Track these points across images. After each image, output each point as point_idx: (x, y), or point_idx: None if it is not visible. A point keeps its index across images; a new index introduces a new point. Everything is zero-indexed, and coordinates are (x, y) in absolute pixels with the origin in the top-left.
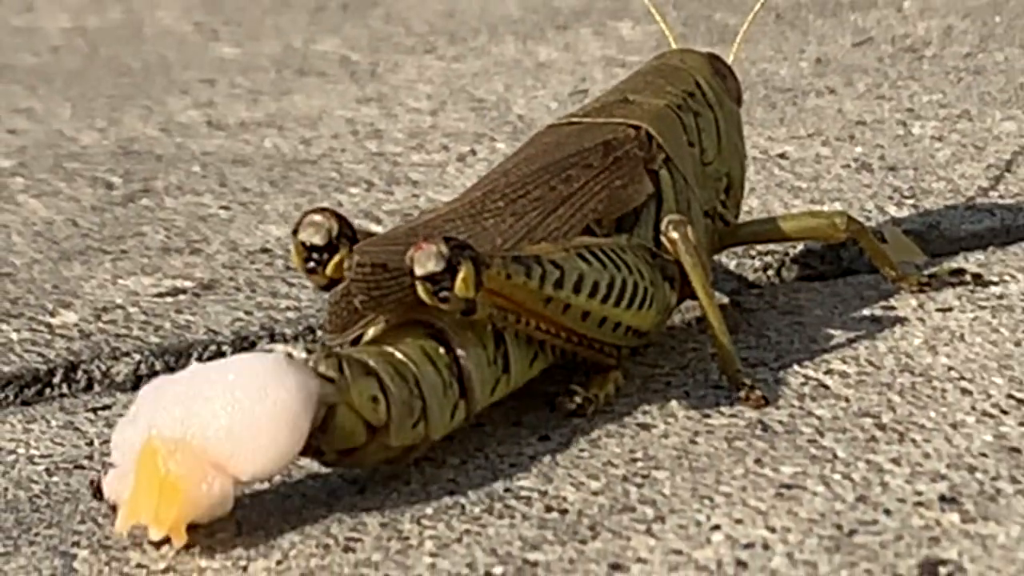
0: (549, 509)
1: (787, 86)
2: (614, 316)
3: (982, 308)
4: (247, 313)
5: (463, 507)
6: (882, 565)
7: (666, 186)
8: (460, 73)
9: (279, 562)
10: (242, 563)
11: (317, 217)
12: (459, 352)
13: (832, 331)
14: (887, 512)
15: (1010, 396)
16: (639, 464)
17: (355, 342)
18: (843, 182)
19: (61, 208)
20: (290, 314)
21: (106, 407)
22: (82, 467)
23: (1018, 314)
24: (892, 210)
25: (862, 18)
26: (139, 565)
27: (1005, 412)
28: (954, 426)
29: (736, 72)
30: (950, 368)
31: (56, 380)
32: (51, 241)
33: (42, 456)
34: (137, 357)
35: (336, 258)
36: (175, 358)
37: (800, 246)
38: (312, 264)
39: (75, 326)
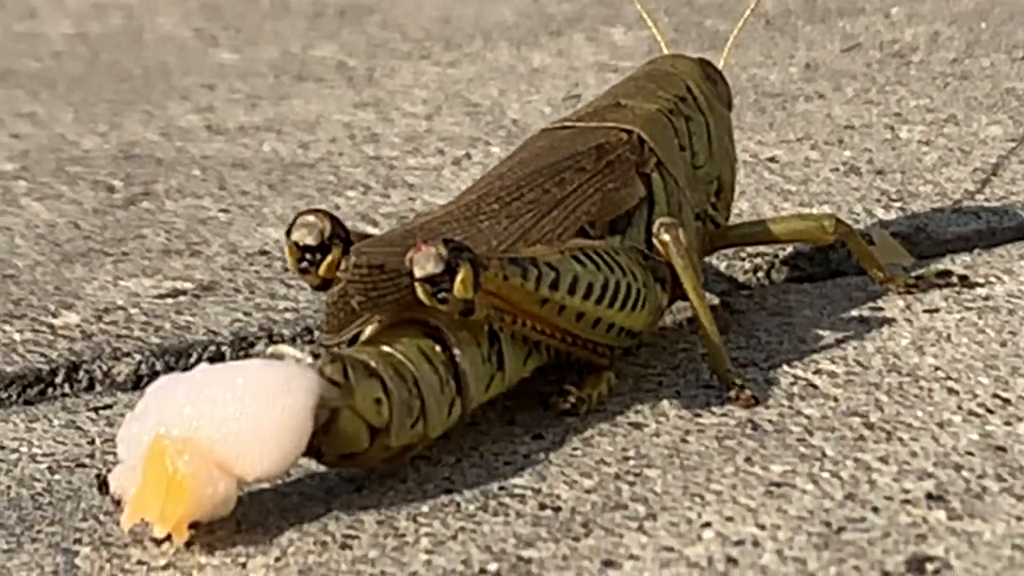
0: (543, 507)
1: (777, 91)
2: (607, 317)
3: (968, 309)
4: (246, 314)
5: (458, 505)
6: (870, 562)
7: (658, 189)
8: (455, 78)
9: (278, 559)
10: (241, 560)
11: (310, 218)
12: (455, 350)
13: (821, 332)
14: (875, 510)
15: (996, 395)
16: (631, 462)
17: (352, 342)
18: (832, 185)
19: (63, 211)
20: (288, 315)
21: (107, 406)
22: (84, 465)
23: (1003, 315)
24: (880, 213)
25: (850, 24)
26: (140, 562)
27: (991, 411)
28: (941, 425)
29: (726, 77)
30: (937, 368)
31: (58, 380)
32: (53, 243)
33: (44, 455)
34: (138, 357)
35: (329, 258)
36: (175, 358)
37: (789, 248)
38: (305, 264)
39: (77, 327)
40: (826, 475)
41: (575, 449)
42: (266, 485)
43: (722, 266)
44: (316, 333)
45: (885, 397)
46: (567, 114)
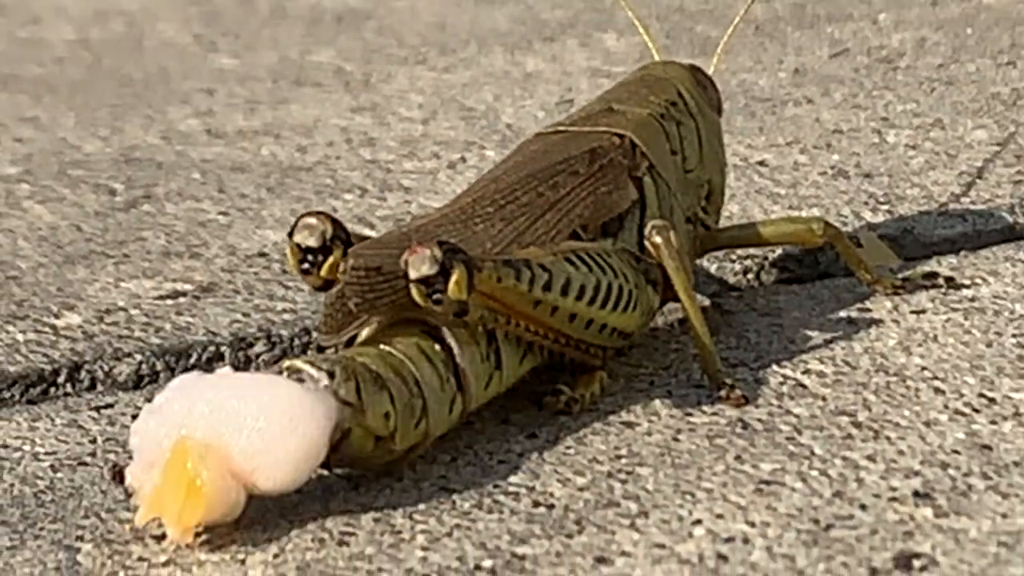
0: (536, 504)
1: (766, 96)
2: (600, 318)
3: (954, 310)
4: (245, 315)
5: (454, 502)
6: (858, 558)
7: (649, 192)
8: (450, 83)
9: (276, 556)
10: (240, 557)
11: (312, 220)
12: (453, 348)
13: (810, 332)
14: (863, 507)
15: (981, 395)
16: (623, 461)
17: (349, 343)
18: (820, 188)
19: (65, 214)
20: (286, 316)
21: (109, 406)
22: (86, 464)
23: (989, 316)
24: (868, 215)
25: (838, 30)
26: (140, 558)
27: (977, 410)
28: (927, 424)
29: (717, 82)
30: (923, 368)
31: (60, 380)
32: (55, 246)
33: (47, 453)
34: (139, 358)
35: (330, 259)
36: (175, 358)
37: (779, 250)
38: (307, 265)
39: (79, 328)
40: (815, 473)
41: (568, 448)
42: None
43: (713, 268)
44: (314, 334)
45: (873, 397)
46: (560, 119)
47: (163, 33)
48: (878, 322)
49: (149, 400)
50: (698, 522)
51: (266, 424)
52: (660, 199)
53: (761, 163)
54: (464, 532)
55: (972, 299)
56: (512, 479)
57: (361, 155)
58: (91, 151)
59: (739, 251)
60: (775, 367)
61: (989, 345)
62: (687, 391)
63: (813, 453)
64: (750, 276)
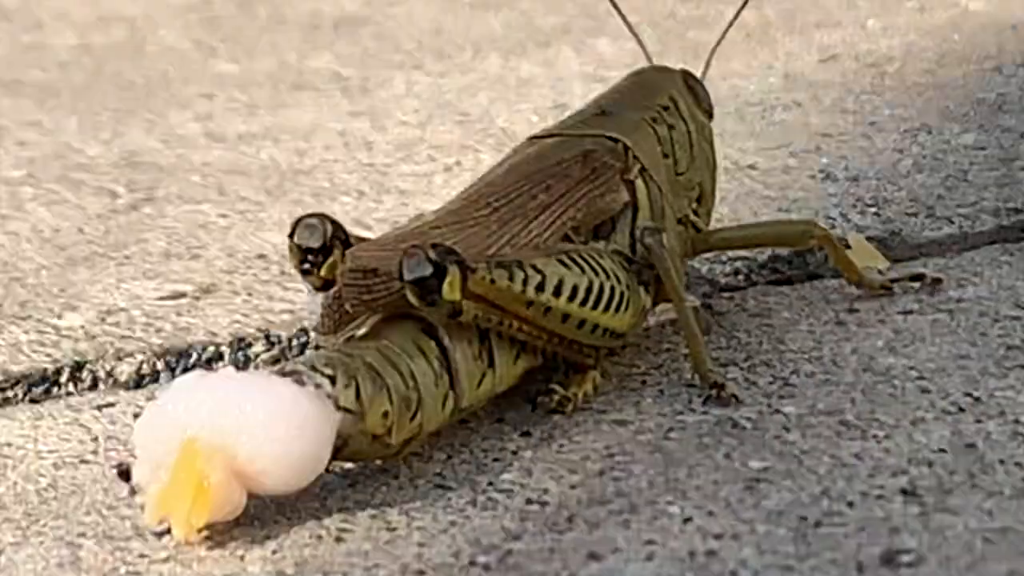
0: (530, 501)
1: (756, 100)
2: (592, 318)
3: (941, 311)
4: (244, 316)
5: (449, 500)
6: (845, 555)
7: (641, 195)
8: (446, 88)
9: (274, 552)
10: (239, 552)
11: (312, 220)
12: (447, 344)
13: (799, 333)
14: (850, 505)
15: (967, 395)
16: (615, 459)
17: (347, 343)
18: (809, 191)
19: (68, 216)
20: (285, 316)
21: (110, 405)
22: (87, 462)
23: (975, 317)
24: (856, 218)
25: (828, 36)
26: (141, 555)
27: (962, 410)
28: (914, 423)
29: (708, 87)
30: (910, 368)
31: (63, 379)
32: (58, 247)
33: (49, 451)
34: (140, 357)
35: (330, 260)
36: (176, 358)
37: (769, 252)
38: (307, 266)
39: (81, 328)
40: (803, 471)
41: (561, 446)
42: None
43: (704, 269)
44: (312, 334)
45: (860, 396)
46: (554, 123)
47: (164, 39)
48: (866, 323)
49: (151, 399)
50: (688, 519)
51: (273, 428)
52: (652, 202)
53: (751, 166)
54: (459, 528)
55: (958, 300)
56: (506, 477)
57: (358, 158)
58: (93, 154)
59: (730, 253)
60: (765, 367)
61: (975, 345)
62: (678, 390)
63: (802, 451)
64: (740, 277)
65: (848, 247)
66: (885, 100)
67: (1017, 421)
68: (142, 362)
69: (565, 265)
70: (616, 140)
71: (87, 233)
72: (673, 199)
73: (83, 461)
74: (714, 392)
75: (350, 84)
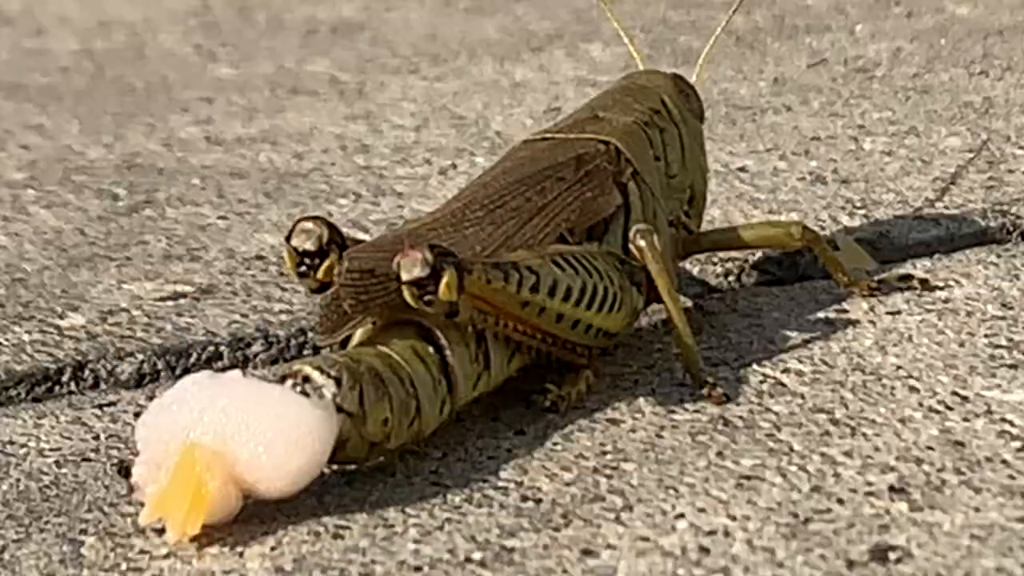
0: (525, 499)
1: (747, 104)
2: (586, 318)
3: (929, 311)
4: (243, 316)
5: (445, 497)
6: (835, 551)
7: (634, 197)
8: (442, 92)
9: (273, 548)
10: (239, 549)
11: (309, 224)
12: (445, 350)
13: (789, 333)
14: (840, 501)
15: (955, 393)
16: (608, 457)
17: (344, 343)
18: (799, 194)
19: (69, 218)
20: (283, 317)
21: (111, 404)
22: (89, 460)
23: (962, 316)
24: (844, 220)
25: (816, 41)
26: (142, 551)
27: (950, 408)
28: (902, 421)
29: (699, 91)
30: (899, 367)
31: (65, 378)
32: (60, 249)
33: (52, 449)
34: (140, 357)
35: (327, 263)
36: (176, 358)
37: (759, 253)
38: (304, 269)
39: (82, 328)
40: (794, 468)
41: (555, 444)
42: None
43: (695, 270)
44: (310, 334)
45: (850, 395)
46: (548, 126)
47: (164, 44)
48: (855, 323)
49: (151, 398)
50: (681, 516)
51: (273, 439)
52: (644, 204)
53: (742, 169)
54: (455, 526)
55: (946, 300)
56: (501, 474)
57: (355, 161)
58: (94, 157)
59: (720, 254)
60: (755, 366)
61: (962, 345)
62: (670, 389)
63: (792, 449)
64: (731, 278)
65: (837, 249)
66: (873, 104)
67: (1004, 419)
68: (143, 361)
69: (559, 266)
70: (609, 143)
71: (88, 235)
72: (665, 201)
73: (85, 459)
74: (706, 391)
75: (347, 88)
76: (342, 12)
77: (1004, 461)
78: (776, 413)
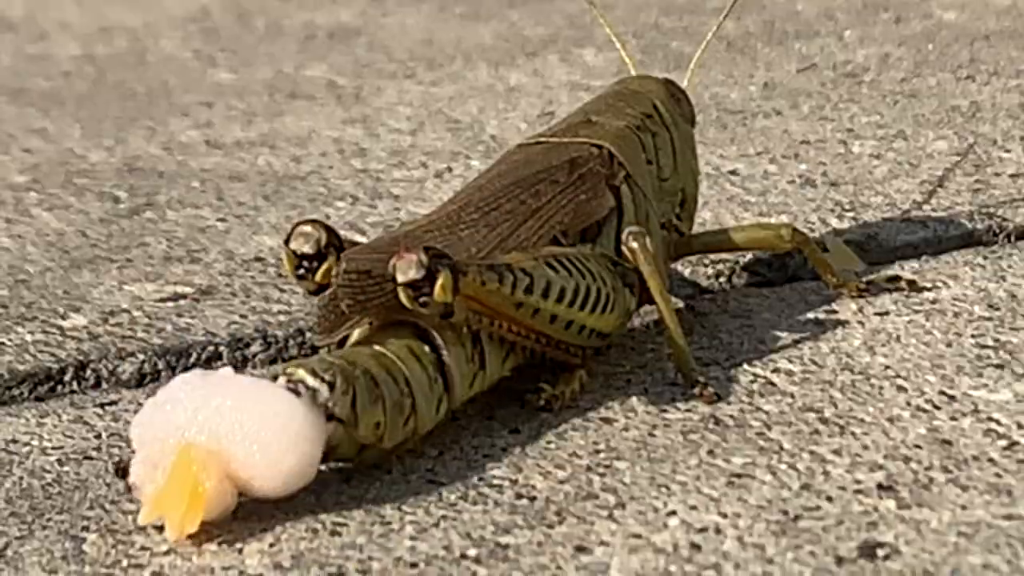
0: (519, 496)
1: (737, 108)
2: (579, 319)
3: (916, 312)
4: (242, 316)
5: (440, 494)
6: (825, 547)
7: (626, 200)
8: (437, 96)
9: (271, 545)
10: (238, 546)
11: (307, 228)
12: (441, 350)
13: (779, 333)
14: (829, 499)
15: (942, 392)
16: (602, 455)
17: (341, 343)
18: (789, 196)
19: (71, 220)
20: (281, 317)
21: (113, 403)
22: (91, 458)
23: (949, 317)
24: (834, 222)
25: (806, 46)
26: (143, 548)
27: (937, 407)
28: (891, 420)
29: (690, 96)
30: (887, 367)
31: (67, 378)
32: (62, 250)
33: (54, 448)
34: (141, 357)
35: (324, 265)
36: (176, 358)
37: (749, 255)
38: (302, 271)
39: (84, 328)
40: (784, 467)
41: (549, 443)
42: None
43: (686, 272)
44: (308, 335)
45: (839, 394)
46: (542, 130)
47: (164, 49)
48: (844, 323)
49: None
50: (672, 513)
51: (268, 438)
52: (636, 206)
53: (732, 172)
54: (450, 523)
55: (933, 301)
56: (496, 472)
57: (353, 165)
58: (96, 161)
59: (712, 256)
60: (746, 366)
61: (949, 345)
62: (662, 389)
63: (782, 448)
64: (722, 280)
65: (826, 250)
66: (862, 108)
67: (990, 418)
68: (143, 361)
69: (553, 268)
70: (602, 147)
71: (90, 237)
72: (657, 204)
73: (86, 457)
74: (697, 390)
75: (344, 93)
76: (339, 18)
77: (991, 459)
78: (766, 412)
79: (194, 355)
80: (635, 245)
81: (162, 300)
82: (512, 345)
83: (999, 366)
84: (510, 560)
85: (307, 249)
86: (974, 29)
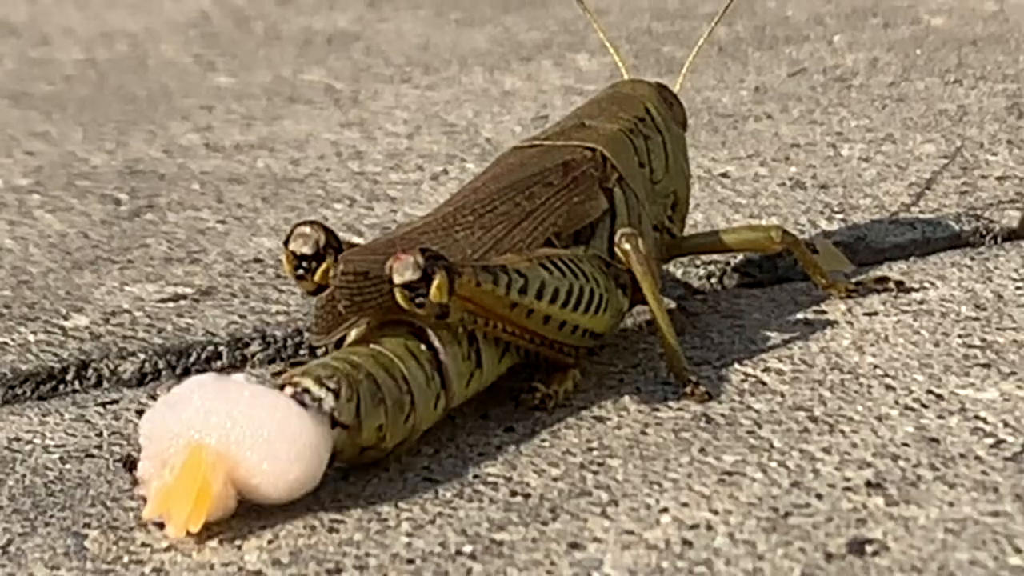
0: (514, 494)
1: (728, 112)
2: (572, 320)
3: (904, 312)
4: (241, 317)
5: (436, 492)
6: (814, 544)
7: (619, 202)
8: (434, 100)
9: (270, 541)
10: (237, 543)
11: (306, 229)
12: (438, 348)
13: (769, 333)
14: (819, 496)
15: (930, 391)
16: (595, 453)
17: (339, 343)
18: (779, 199)
19: (73, 222)
20: (280, 318)
21: (114, 402)
22: (92, 456)
23: (937, 317)
24: (823, 224)
25: (796, 51)
26: (144, 544)
27: (925, 406)
28: (879, 419)
29: (682, 99)
30: (875, 366)
31: (69, 377)
32: (64, 252)
33: (56, 446)
34: (142, 357)
35: (323, 266)
36: (176, 357)
37: (740, 256)
38: (301, 272)
39: (86, 328)
40: (774, 464)
41: (543, 441)
42: None
43: (678, 273)
44: (306, 335)
45: (828, 393)
46: (536, 133)
47: (165, 53)
48: (833, 323)
49: (153, 397)
50: (665, 510)
51: (276, 450)
52: (629, 208)
53: (724, 175)
54: (446, 520)
55: (921, 302)
56: (491, 470)
57: (350, 167)
58: (98, 164)
59: (703, 257)
60: (737, 365)
61: (937, 345)
62: (654, 388)
63: (772, 446)
64: (713, 280)
65: (816, 252)
66: (851, 111)
67: (977, 417)
68: (144, 361)
69: (547, 269)
70: (595, 150)
71: (92, 238)
72: (649, 206)
73: (88, 455)
74: (688, 389)
75: (342, 96)
76: (337, 23)
77: (978, 457)
78: (757, 411)
79: (194, 355)
80: (628, 246)
81: (162, 301)
82: (507, 345)
83: (986, 365)
84: (505, 556)
85: (306, 250)
86: (961, 34)
